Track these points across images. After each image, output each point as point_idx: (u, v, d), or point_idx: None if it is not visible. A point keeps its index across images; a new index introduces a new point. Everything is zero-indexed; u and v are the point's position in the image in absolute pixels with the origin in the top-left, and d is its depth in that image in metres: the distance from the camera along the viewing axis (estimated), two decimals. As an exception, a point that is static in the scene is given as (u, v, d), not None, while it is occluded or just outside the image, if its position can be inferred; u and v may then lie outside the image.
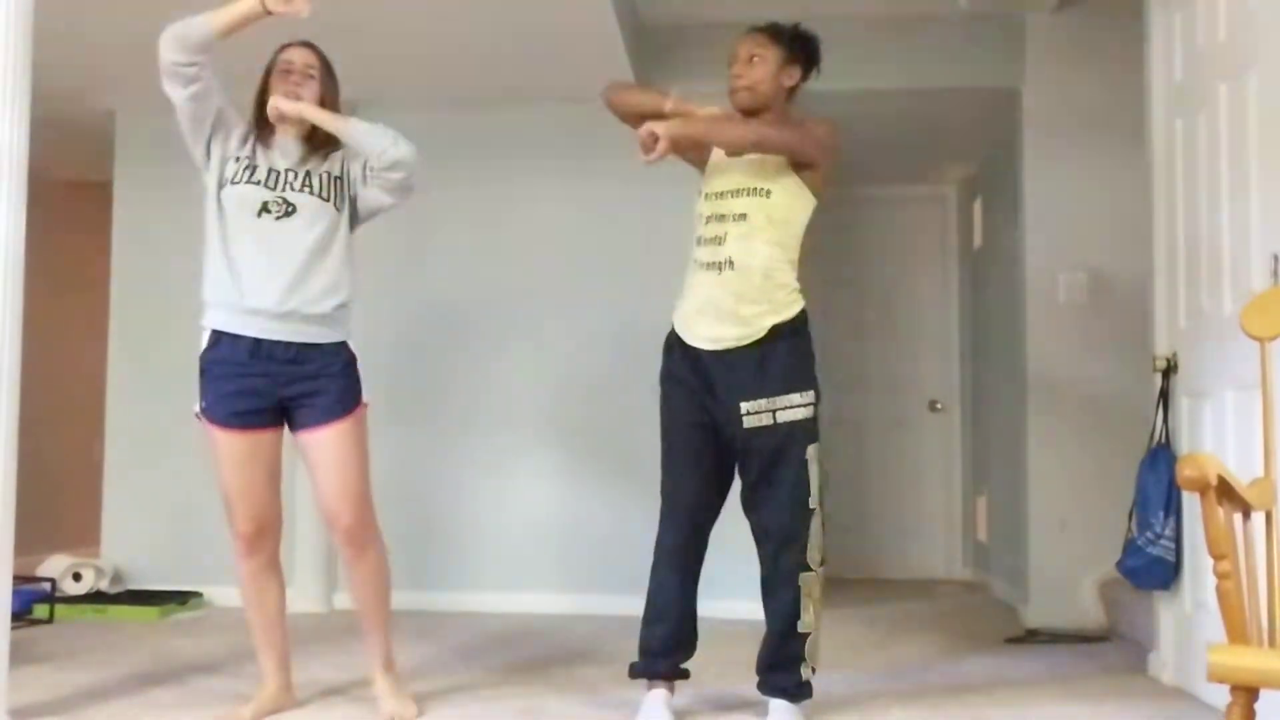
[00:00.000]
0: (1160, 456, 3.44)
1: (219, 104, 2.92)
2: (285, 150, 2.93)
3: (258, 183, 2.84)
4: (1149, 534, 3.39)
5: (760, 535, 2.92)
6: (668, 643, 2.97)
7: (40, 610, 4.60)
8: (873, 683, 3.42)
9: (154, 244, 5.29)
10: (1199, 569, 3.16)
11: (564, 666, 3.69)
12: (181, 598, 4.88)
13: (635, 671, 3.01)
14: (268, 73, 2.98)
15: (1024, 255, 4.73)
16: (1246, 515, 2.11)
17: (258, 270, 2.80)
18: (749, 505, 2.94)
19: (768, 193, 2.90)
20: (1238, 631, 1.97)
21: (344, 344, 2.93)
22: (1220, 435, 3.06)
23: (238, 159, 2.89)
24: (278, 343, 2.82)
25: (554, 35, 4.33)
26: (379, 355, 5.28)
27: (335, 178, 2.93)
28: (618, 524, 4.86)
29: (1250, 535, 2.12)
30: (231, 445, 2.85)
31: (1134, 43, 3.83)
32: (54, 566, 4.95)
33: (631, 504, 4.92)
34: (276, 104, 2.87)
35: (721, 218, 2.92)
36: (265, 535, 2.97)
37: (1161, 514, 3.36)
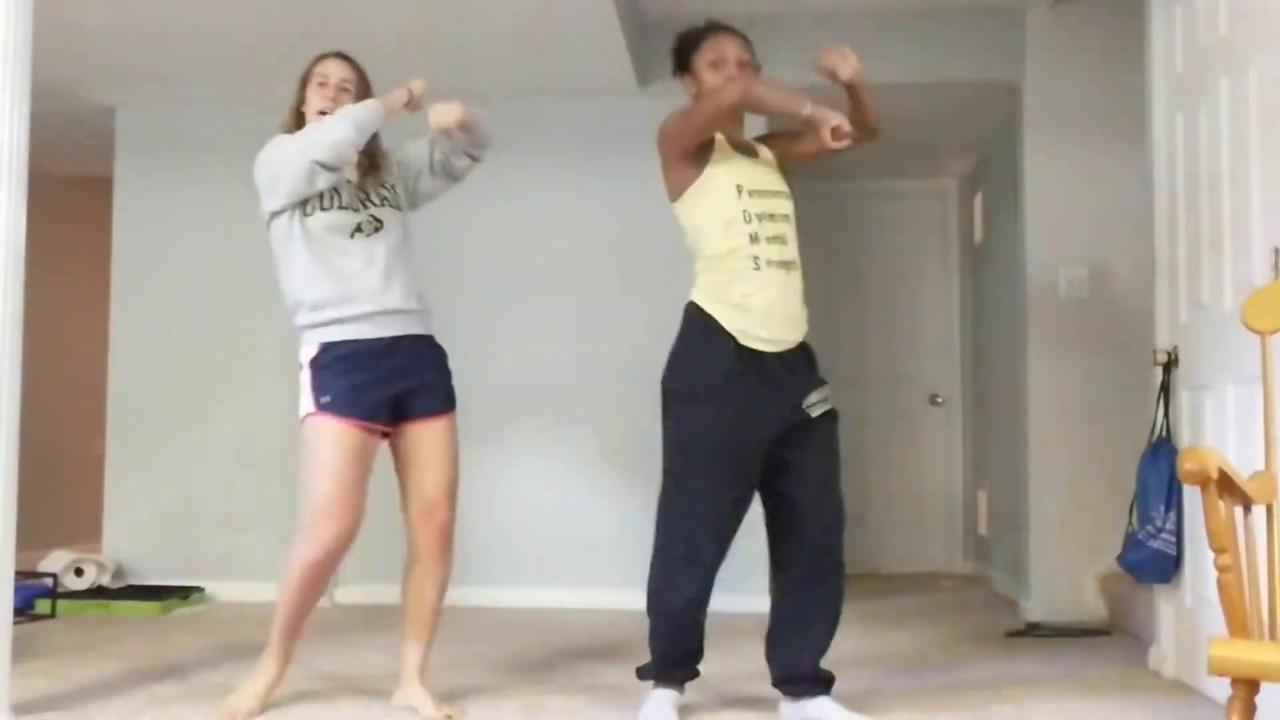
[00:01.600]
0: (1161, 450, 3.44)
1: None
2: (350, 170, 2.98)
3: (345, 207, 2.92)
4: (1150, 528, 3.39)
5: (816, 524, 2.82)
6: (691, 653, 2.90)
7: (42, 605, 4.61)
8: (873, 677, 3.42)
9: (155, 239, 5.29)
10: (1200, 562, 3.16)
11: (565, 662, 3.70)
12: (183, 593, 4.89)
13: (648, 675, 2.92)
14: (303, 84, 3.03)
15: (1025, 249, 4.73)
16: (1247, 509, 2.12)
17: (370, 277, 2.89)
18: (800, 497, 2.82)
19: (790, 194, 2.93)
20: (1238, 625, 1.98)
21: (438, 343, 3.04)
22: (1221, 429, 3.06)
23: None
24: (400, 337, 2.90)
25: (554, 31, 4.33)
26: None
27: (393, 185, 3.04)
28: (616, 518, 4.86)
29: (1251, 529, 2.12)
30: (353, 439, 2.83)
31: (1134, 36, 3.83)
32: (56, 562, 4.96)
33: (626, 498, 4.93)
34: (439, 121, 2.93)
35: (773, 216, 2.84)
36: (351, 537, 2.90)
37: (1162, 508, 3.37)
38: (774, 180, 2.91)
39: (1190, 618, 3.27)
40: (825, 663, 2.87)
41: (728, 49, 2.90)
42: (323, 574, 2.92)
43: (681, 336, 2.88)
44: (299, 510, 2.89)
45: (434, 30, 4.36)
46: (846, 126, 2.66)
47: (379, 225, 2.95)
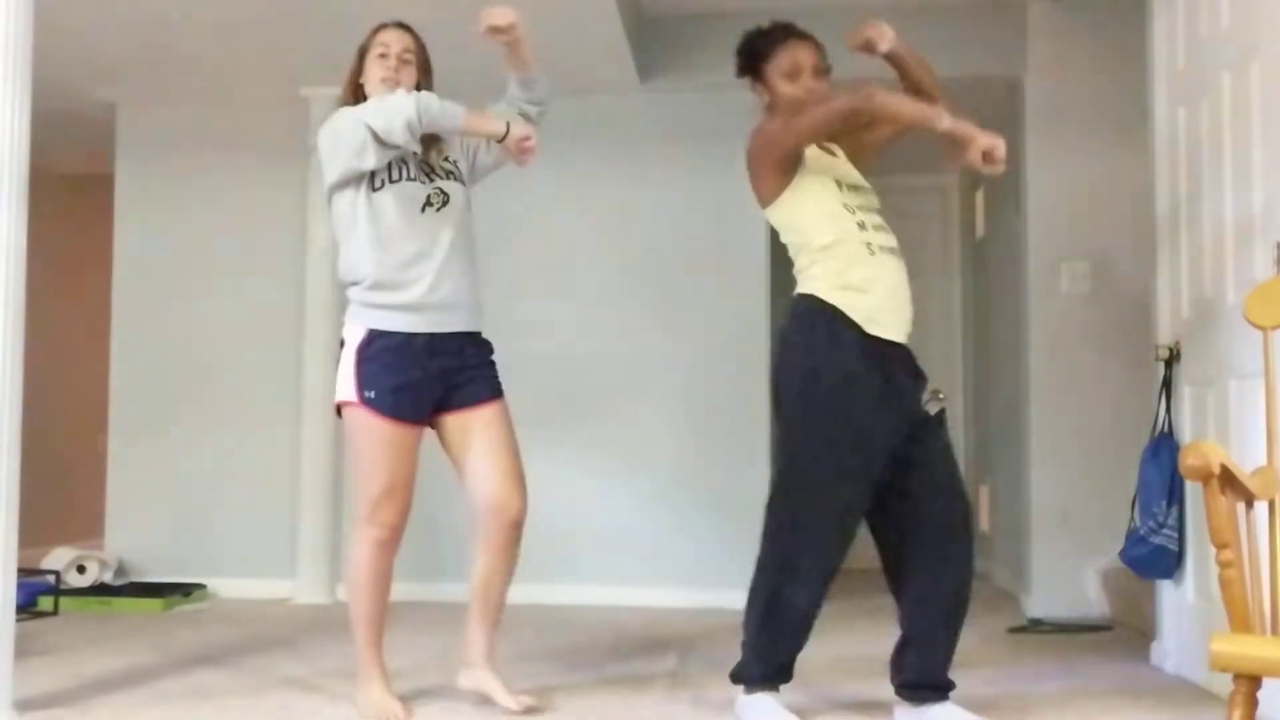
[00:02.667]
0: (1163, 445, 3.44)
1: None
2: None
3: (414, 178, 2.85)
4: (1151, 523, 3.39)
5: (946, 524, 2.74)
6: (796, 655, 2.80)
7: (45, 603, 4.61)
8: (874, 673, 3.42)
9: (156, 236, 5.30)
10: (1202, 558, 3.16)
11: (592, 658, 3.70)
12: (185, 590, 4.89)
13: (759, 681, 2.76)
14: (362, 54, 2.95)
15: (1026, 244, 4.73)
16: (1249, 504, 2.11)
17: (428, 268, 2.82)
18: (928, 495, 2.73)
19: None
20: (1240, 620, 1.98)
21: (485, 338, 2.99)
22: (1223, 424, 3.06)
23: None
24: (450, 335, 2.85)
25: (554, 27, 4.32)
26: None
27: (455, 160, 2.99)
28: (628, 514, 4.87)
29: (1253, 524, 2.12)
30: (399, 436, 2.79)
31: (1136, 31, 3.82)
32: (58, 559, 4.97)
33: (638, 496, 4.93)
34: (490, 19, 2.79)
35: (869, 209, 2.81)
36: (402, 529, 2.87)
37: (1164, 503, 3.36)
38: (859, 175, 2.88)
39: (1192, 613, 3.27)
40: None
41: (803, 57, 2.81)
42: (390, 561, 2.87)
43: (798, 330, 2.73)
44: (353, 505, 2.84)
45: (434, 27, 4.34)
46: (1002, 150, 2.54)
47: (446, 199, 2.88)
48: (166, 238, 5.29)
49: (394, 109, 2.72)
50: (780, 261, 5.75)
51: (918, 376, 2.80)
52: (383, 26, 2.97)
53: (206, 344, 5.22)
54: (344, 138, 2.77)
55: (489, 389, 2.92)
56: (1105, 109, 4.64)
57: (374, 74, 2.90)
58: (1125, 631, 4.19)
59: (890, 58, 2.80)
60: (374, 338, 2.81)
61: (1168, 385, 3.47)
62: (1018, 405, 4.93)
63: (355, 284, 2.85)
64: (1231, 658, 1.91)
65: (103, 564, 5.02)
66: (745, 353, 4.94)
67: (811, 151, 2.79)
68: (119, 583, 5.02)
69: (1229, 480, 2.00)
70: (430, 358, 2.82)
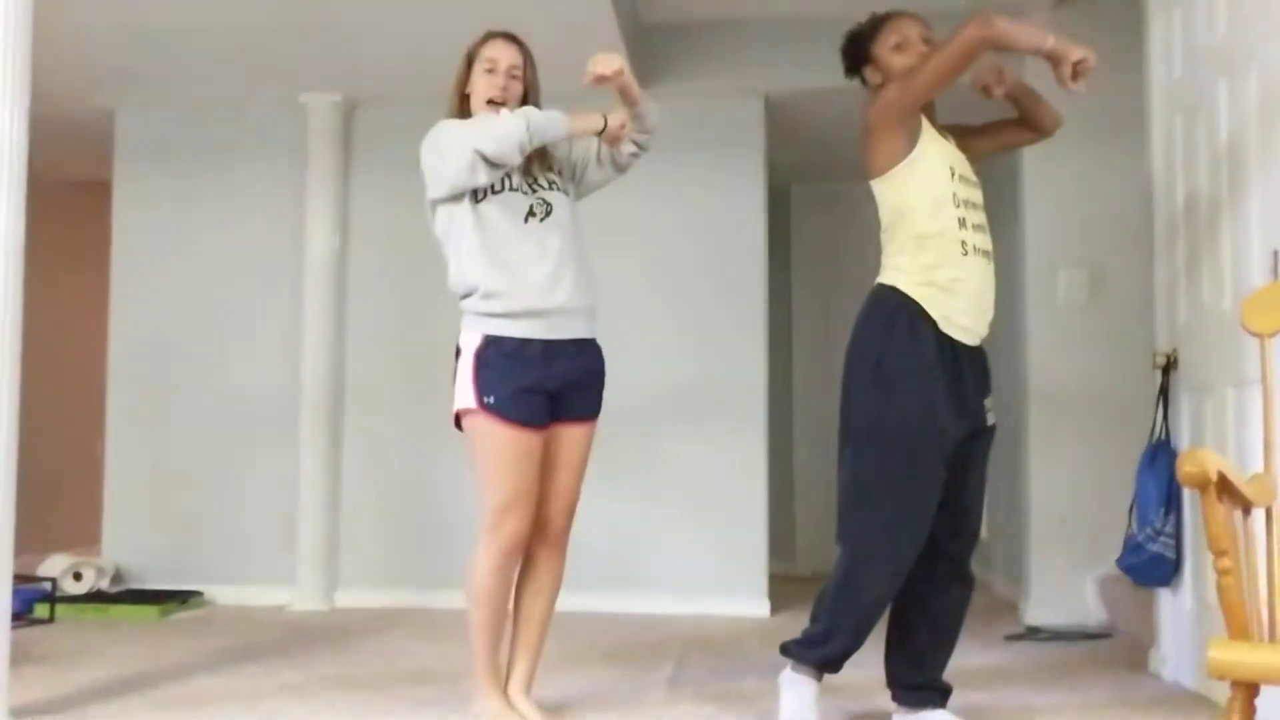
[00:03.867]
0: (1160, 453, 3.44)
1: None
2: None
3: (516, 189, 2.81)
4: (1149, 530, 3.39)
5: (956, 533, 2.77)
6: (852, 651, 2.75)
7: (41, 610, 4.60)
8: (872, 681, 3.42)
9: (154, 242, 5.30)
10: (1199, 565, 3.16)
11: (590, 665, 3.70)
12: (182, 597, 4.88)
13: (814, 662, 2.72)
14: (469, 62, 2.89)
15: (1024, 252, 4.73)
16: (1247, 511, 2.11)
17: (540, 273, 2.77)
18: (953, 503, 2.74)
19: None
20: (1238, 627, 1.97)
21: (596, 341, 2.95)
22: (1220, 431, 3.06)
23: None
24: (566, 341, 2.82)
25: (553, 35, 4.32)
26: (408, 352, 5.33)
27: (560, 171, 2.94)
28: (632, 524, 4.87)
29: (1251, 531, 2.12)
30: (522, 442, 2.74)
31: (1133, 39, 3.83)
32: (55, 566, 4.96)
33: (635, 504, 4.93)
34: (595, 69, 2.77)
35: (976, 205, 2.76)
36: (527, 538, 2.81)
37: (1162, 510, 3.36)
38: (972, 170, 2.83)
39: (1190, 620, 3.27)
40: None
41: (910, 29, 2.77)
42: (511, 572, 2.80)
43: (876, 319, 2.73)
44: (481, 511, 2.75)
45: (433, 37, 4.36)
46: (1092, 60, 2.57)
47: (550, 209, 2.82)
48: (165, 244, 5.29)
49: (505, 133, 2.69)
50: (778, 269, 5.76)
51: (986, 382, 2.80)
52: (491, 37, 2.90)
53: (204, 350, 5.21)
54: (451, 158, 2.72)
55: (589, 408, 2.90)
56: (1102, 116, 4.64)
57: (480, 89, 2.85)
58: (1123, 639, 4.19)
59: (1009, 98, 2.82)
60: (490, 343, 2.76)
61: (1165, 392, 3.47)
62: (1015, 412, 4.93)
63: (468, 295, 2.80)
64: (1229, 665, 1.91)
65: (99, 571, 5.01)
66: (743, 359, 4.94)
67: (931, 134, 2.75)
68: (116, 590, 5.01)
69: (1226, 487, 2.00)
70: (549, 363, 2.78)
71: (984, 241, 2.76)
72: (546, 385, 2.77)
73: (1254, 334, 2.29)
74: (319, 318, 5.03)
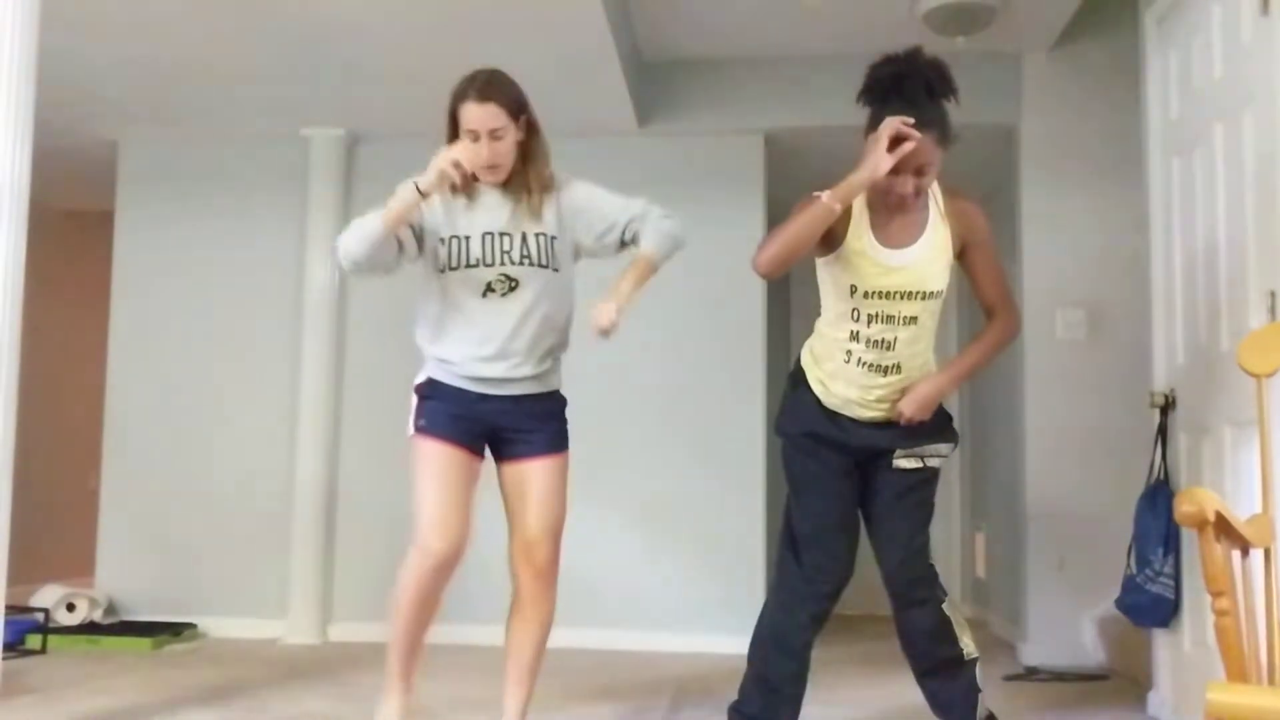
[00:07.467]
0: (1159, 493, 3.43)
1: (415, 223, 2.75)
2: (491, 206, 2.76)
3: (475, 264, 2.73)
4: (1148, 571, 3.37)
5: (887, 563, 2.89)
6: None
7: (33, 641, 4.57)
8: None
9: (155, 273, 5.31)
10: (1197, 606, 3.14)
11: (585, 702, 3.67)
12: (175, 629, 4.85)
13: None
14: (453, 122, 2.71)
15: (1022, 291, 4.75)
16: (1245, 552, 2.11)
17: (483, 352, 2.76)
18: (880, 536, 2.91)
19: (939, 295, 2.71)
20: (1236, 669, 1.96)
21: (558, 392, 2.91)
22: (1218, 471, 3.05)
23: (444, 240, 2.75)
24: (505, 395, 2.81)
25: (555, 71, 4.36)
26: (406, 385, 5.32)
27: (551, 238, 2.77)
28: (627, 560, 4.84)
29: (1249, 572, 2.11)
30: (447, 456, 2.76)
31: (1130, 81, 3.87)
32: (48, 596, 4.93)
33: (631, 540, 4.91)
34: (598, 327, 2.68)
35: (890, 319, 2.66)
36: (453, 560, 2.78)
37: (1160, 550, 3.35)
38: (912, 280, 2.64)
39: (1188, 662, 3.25)
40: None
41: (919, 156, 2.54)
42: (434, 590, 2.78)
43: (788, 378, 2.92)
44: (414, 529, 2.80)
45: (435, 70, 4.39)
46: (901, 127, 2.48)
47: (513, 285, 2.74)
48: (165, 275, 5.30)
49: (343, 251, 2.68)
50: (776, 304, 5.76)
51: (911, 433, 2.76)
52: (465, 97, 2.68)
53: (202, 383, 5.21)
54: (338, 249, 2.75)
55: (544, 446, 2.84)
56: (1100, 157, 4.68)
57: (469, 158, 2.67)
58: (1121, 680, 4.16)
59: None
60: (432, 382, 2.83)
61: (1163, 432, 3.46)
62: (1013, 450, 4.92)
63: (423, 339, 2.86)
64: (1227, 707, 1.89)
65: (93, 602, 4.98)
66: (741, 395, 4.94)
67: (859, 243, 2.65)
68: (109, 621, 4.98)
69: (1224, 527, 1.99)
70: (485, 400, 2.80)
71: (877, 356, 2.68)
72: (482, 417, 2.80)
73: (1251, 374, 2.29)
74: (318, 350, 5.04)
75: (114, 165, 5.39)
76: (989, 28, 4.40)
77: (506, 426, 2.83)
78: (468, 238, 2.74)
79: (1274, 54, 2.77)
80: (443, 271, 2.77)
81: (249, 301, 5.24)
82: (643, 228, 2.84)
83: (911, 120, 2.50)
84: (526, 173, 2.77)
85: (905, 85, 2.57)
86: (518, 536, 2.84)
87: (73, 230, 6.60)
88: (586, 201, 2.85)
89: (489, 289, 2.74)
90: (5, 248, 2.81)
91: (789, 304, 6.44)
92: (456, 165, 2.60)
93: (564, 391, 2.92)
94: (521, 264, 2.74)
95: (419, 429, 2.80)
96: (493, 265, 2.73)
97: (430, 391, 2.83)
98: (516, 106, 2.72)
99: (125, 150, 5.37)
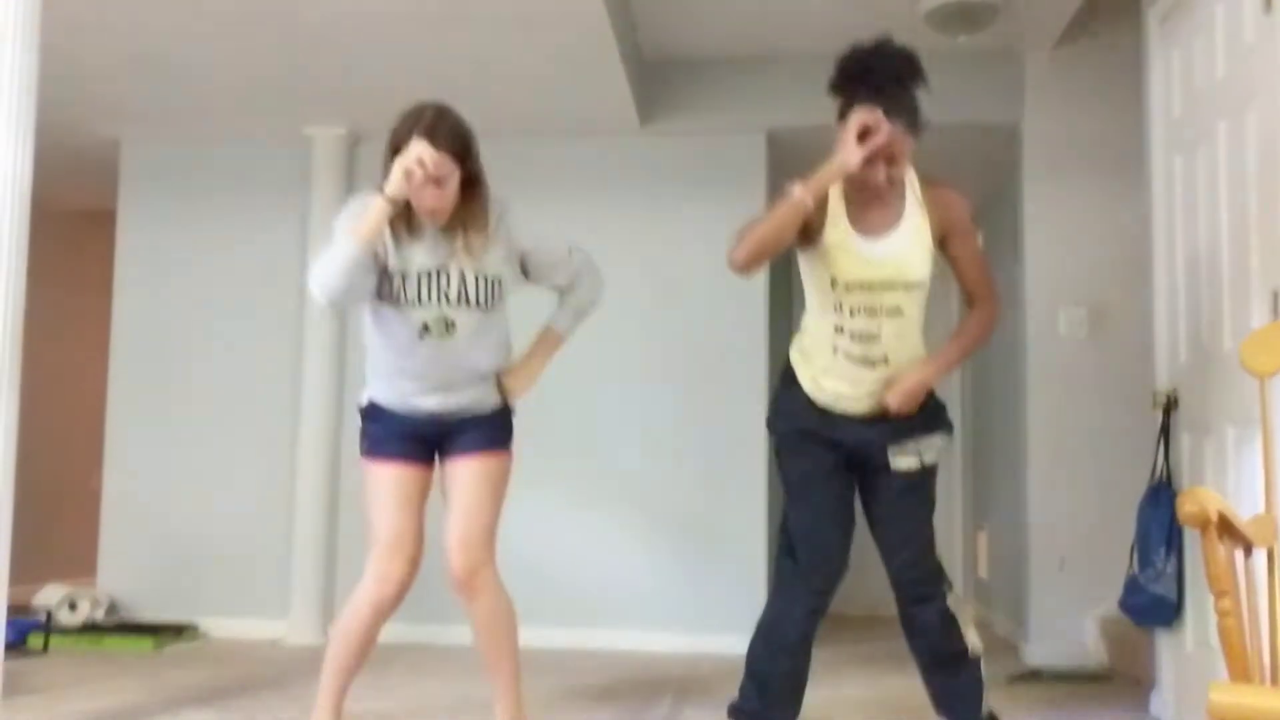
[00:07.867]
0: (1162, 493, 3.42)
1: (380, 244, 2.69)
2: (431, 245, 2.70)
3: (412, 301, 2.68)
4: (1151, 571, 3.37)
5: (892, 564, 2.89)
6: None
7: (35, 640, 4.57)
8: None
9: (157, 272, 5.31)
10: (1200, 606, 3.14)
11: (586, 702, 3.66)
12: (177, 629, 4.86)
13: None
14: (394, 152, 2.60)
15: (1024, 290, 4.74)
16: (1248, 552, 2.10)
17: (412, 389, 2.77)
18: (882, 540, 2.92)
19: (924, 285, 2.73)
20: (1239, 670, 1.96)
21: (500, 404, 2.90)
22: (1221, 471, 3.05)
23: (387, 273, 2.69)
24: (443, 417, 2.82)
25: (557, 71, 4.36)
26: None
27: (491, 279, 2.73)
28: (628, 561, 4.84)
29: (1252, 572, 2.11)
30: (393, 475, 2.79)
31: (1132, 80, 3.86)
32: (50, 596, 4.93)
33: (632, 540, 4.91)
34: (515, 396, 2.87)
35: (873, 310, 2.68)
36: (407, 585, 2.82)
37: (1163, 551, 3.34)
38: (894, 272, 2.68)
39: (1191, 662, 3.24)
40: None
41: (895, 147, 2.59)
42: (383, 620, 2.80)
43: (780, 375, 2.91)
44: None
45: (439, 72, 4.39)
46: (870, 118, 2.50)
47: (449, 327, 2.71)
48: (168, 273, 5.31)
49: (318, 282, 2.62)
50: (778, 304, 5.76)
51: (900, 430, 2.76)
52: (408, 131, 2.59)
53: (204, 383, 5.21)
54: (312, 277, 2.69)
55: (478, 442, 2.82)
56: (1102, 156, 4.67)
57: (415, 199, 2.62)
58: (1124, 680, 4.16)
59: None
60: (373, 404, 2.86)
61: (1166, 432, 3.46)
62: (1015, 450, 4.92)
63: (366, 362, 2.87)
64: (1230, 708, 1.89)
65: (94, 602, 4.98)
66: (743, 396, 4.93)
67: (838, 232, 2.65)
68: (110, 621, 4.98)
69: (1227, 527, 1.99)
70: (416, 423, 2.82)
71: (863, 349, 2.68)
72: (425, 432, 2.81)
73: (1254, 374, 2.28)
74: (320, 350, 5.04)
75: (116, 164, 5.40)
76: (991, 27, 4.39)
77: (450, 433, 2.84)
78: (404, 275, 2.68)
79: (1277, 52, 2.76)
80: (381, 300, 2.72)
81: (251, 300, 5.24)
82: (571, 289, 2.98)
83: (879, 110, 2.50)
84: (468, 212, 2.69)
85: (872, 75, 2.58)
86: (445, 544, 2.82)
87: (75, 229, 6.60)
88: (531, 245, 2.83)
89: (425, 330, 2.70)
90: (7, 247, 2.81)
91: (791, 304, 6.43)
92: (421, 163, 2.54)
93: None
94: (459, 304, 2.71)
95: (365, 452, 2.83)
96: (428, 305, 2.69)
97: (373, 413, 2.85)
98: (463, 148, 2.63)
99: (127, 149, 5.37)
